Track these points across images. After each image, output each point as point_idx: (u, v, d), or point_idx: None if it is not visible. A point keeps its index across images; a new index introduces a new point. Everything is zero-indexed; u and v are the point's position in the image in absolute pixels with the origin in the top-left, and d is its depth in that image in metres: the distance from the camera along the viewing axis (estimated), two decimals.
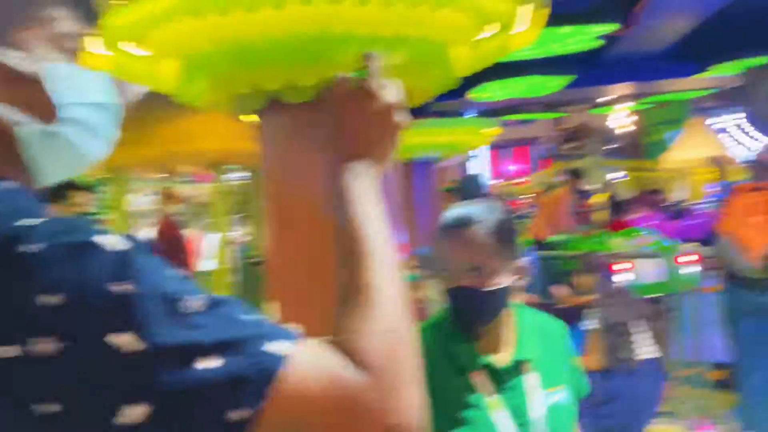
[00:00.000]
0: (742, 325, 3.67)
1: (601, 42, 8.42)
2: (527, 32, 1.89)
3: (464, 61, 1.87)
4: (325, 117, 0.84)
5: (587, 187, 19.52)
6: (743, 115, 10.13)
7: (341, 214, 0.75)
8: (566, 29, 8.32)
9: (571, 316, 3.55)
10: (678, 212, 12.68)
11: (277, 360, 0.57)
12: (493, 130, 13.16)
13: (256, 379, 0.55)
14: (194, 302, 0.57)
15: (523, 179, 36.57)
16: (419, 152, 11.63)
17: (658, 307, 4.10)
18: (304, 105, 1.57)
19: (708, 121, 23.17)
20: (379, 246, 0.71)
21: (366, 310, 0.65)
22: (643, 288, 3.76)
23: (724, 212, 3.68)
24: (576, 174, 9.22)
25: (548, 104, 23.79)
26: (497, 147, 43.90)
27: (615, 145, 30.03)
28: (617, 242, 5.95)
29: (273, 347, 0.57)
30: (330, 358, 0.60)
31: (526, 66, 10.71)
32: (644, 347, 3.37)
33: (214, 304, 0.58)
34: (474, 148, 17.64)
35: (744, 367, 3.79)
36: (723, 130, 14.67)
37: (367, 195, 0.76)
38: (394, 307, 0.66)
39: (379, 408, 0.58)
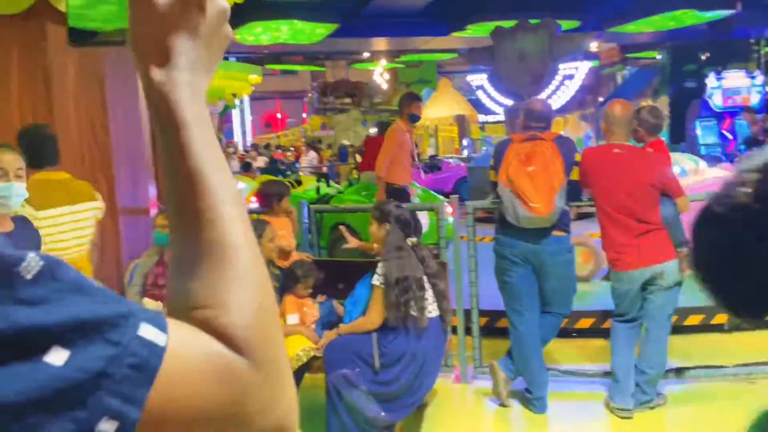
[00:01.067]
0: (511, 273, 3.76)
1: None
2: None
3: None
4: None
5: (345, 142, 19.76)
6: (487, 75, 10.86)
7: (174, 146, 0.58)
8: None
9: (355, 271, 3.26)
10: (432, 166, 13.56)
11: (155, 352, 0.46)
12: (256, 78, 12.39)
13: (130, 379, 0.44)
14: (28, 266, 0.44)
15: (286, 131, 36.29)
16: None
17: (442, 262, 4.01)
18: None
19: (457, 81, 25.20)
20: (229, 193, 0.58)
21: (228, 274, 0.54)
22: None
23: (499, 164, 3.70)
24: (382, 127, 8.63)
25: (310, 56, 23.62)
26: (262, 97, 42.94)
27: (377, 101, 31.25)
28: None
29: (147, 332, 0.46)
30: (210, 346, 0.50)
31: (291, 10, 10.20)
32: (430, 305, 3.22)
33: (52, 268, 0.45)
34: (236, 95, 16.76)
35: (510, 314, 3.91)
36: (473, 90, 15.90)
37: (204, 123, 0.60)
38: (257, 274, 0.56)
39: (269, 405, 0.51)
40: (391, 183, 6.03)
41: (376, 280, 3.21)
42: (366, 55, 21.35)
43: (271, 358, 0.52)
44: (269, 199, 4.25)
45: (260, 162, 17.14)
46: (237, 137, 33.66)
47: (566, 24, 12.44)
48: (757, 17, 14.38)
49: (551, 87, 9.95)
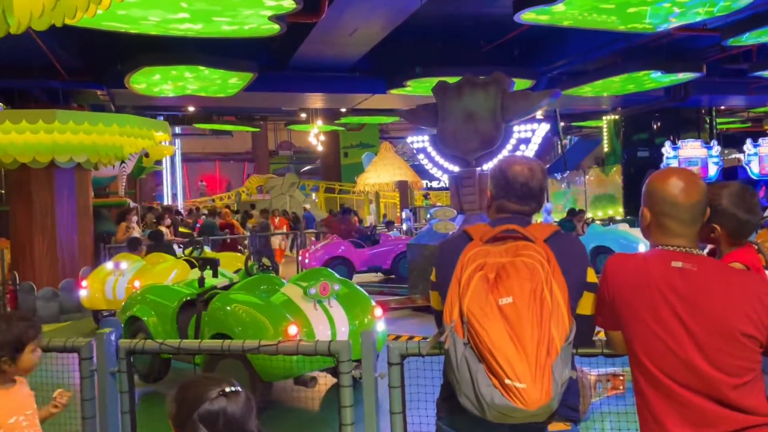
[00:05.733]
0: None
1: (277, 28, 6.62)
2: None
3: None
4: None
5: (278, 208, 17.71)
6: (429, 138, 9.33)
7: None
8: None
9: None
10: (368, 239, 11.78)
11: None
12: (162, 135, 10.48)
13: None
14: None
15: (222, 194, 34.19)
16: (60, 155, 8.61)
17: None
18: None
19: (402, 144, 23.86)
20: None
21: None
22: None
23: (446, 280, 1.91)
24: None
25: (245, 116, 21.88)
26: (200, 159, 40.77)
27: (313, 165, 29.59)
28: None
29: None
30: None
31: (194, 54, 8.47)
32: None
33: None
34: (149, 154, 14.71)
35: None
36: (416, 153, 14.42)
37: None
38: None
39: None
40: None
41: None
42: (304, 116, 19.83)
43: None
44: None
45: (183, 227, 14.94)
46: (167, 201, 31.31)
47: (519, 84, 11.18)
48: (714, 85, 13.62)
49: (504, 152, 8.43)
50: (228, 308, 4.60)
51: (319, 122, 18.84)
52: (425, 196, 21.93)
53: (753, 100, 15.51)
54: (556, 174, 19.40)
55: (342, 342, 2.31)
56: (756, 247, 5.18)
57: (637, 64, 10.72)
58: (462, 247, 2.09)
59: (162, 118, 16.46)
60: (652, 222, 1.96)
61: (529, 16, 7.40)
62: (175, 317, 4.97)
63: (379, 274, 11.66)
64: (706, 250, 2.29)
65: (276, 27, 6.74)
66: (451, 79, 8.65)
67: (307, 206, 20.68)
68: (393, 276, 11.28)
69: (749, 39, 9.72)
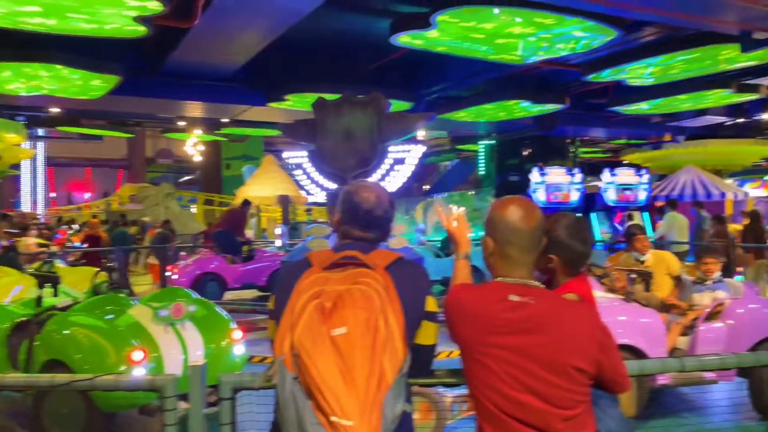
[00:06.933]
0: None
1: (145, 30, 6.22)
2: None
3: None
4: None
5: (145, 219, 16.73)
6: (307, 154, 9.19)
7: None
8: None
9: None
10: (248, 254, 11.40)
11: None
12: (14, 137, 9.52)
13: None
14: None
15: (90, 203, 31.88)
16: None
17: None
18: None
19: (284, 156, 23.42)
20: None
21: None
22: None
23: (279, 310, 1.78)
24: None
25: (118, 121, 20.56)
26: (68, 164, 37.82)
27: (194, 176, 28.36)
28: None
29: None
30: None
31: (51, 52, 7.78)
32: None
33: None
34: (9, 159, 13.35)
35: None
36: (296, 168, 14.13)
37: None
38: None
39: None
40: None
41: None
42: (183, 124, 18.94)
43: None
44: None
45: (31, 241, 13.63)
46: (26, 209, 28.67)
47: (396, 106, 11.37)
48: (578, 117, 14.64)
49: (380, 171, 8.48)
50: (65, 332, 4.17)
51: (198, 131, 18.09)
52: (308, 212, 21.67)
53: (611, 132, 16.88)
54: (435, 195, 19.95)
55: (166, 377, 2.09)
56: (603, 271, 5.47)
57: (508, 94, 11.28)
58: (301, 273, 1.98)
59: (23, 119, 15.05)
60: (495, 250, 1.95)
61: (404, 39, 7.52)
62: (4, 341, 4.44)
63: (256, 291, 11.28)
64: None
65: (142, 29, 6.33)
66: (332, 96, 8.61)
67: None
68: (269, 294, 10.93)
69: (608, 76, 10.53)
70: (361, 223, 2.11)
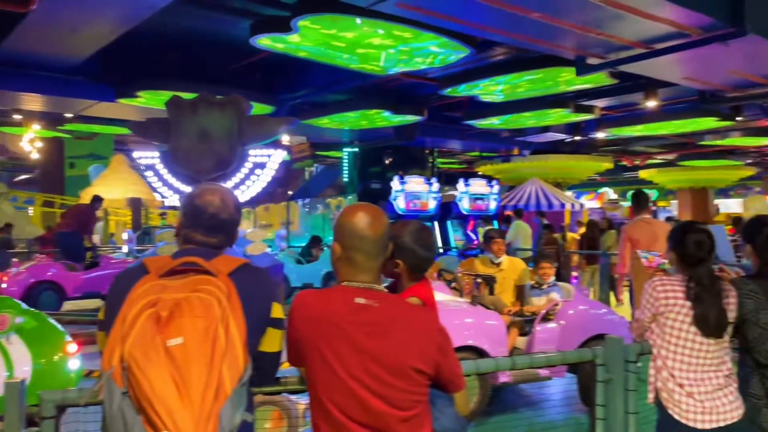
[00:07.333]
0: None
1: None
2: None
3: None
4: None
5: None
6: (160, 155, 8.75)
7: None
8: None
9: None
10: (91, 261, 10.50)
11: None
12: None
13: None
14: None
15: None
16: None
17: None
18: None
19: (135, 156, 22.08)
20: None
21: None
22: None
23: (111, 321, 1.65)
24: None
25: None
26: None
27: (32, 174, 25.89)
28: None
29: None
30: None
31: None
32: None
33: None
34: None
35: None
36: (147, 168, 13.35)
37: None
38: None
39: None
40: None
41: None
42: (19, 117, 17.16)
43: None
44: None
45: None
46: None
47: (259, 109, 11.17)
48: (435, 129, 15.29)
49: (240, 175, 8.26)
50: None
51: (37, 126, 16.51)
52: (162, 216, 20.59)
53: (466, 144, 17.82)
54: (298, 200, 19.84)
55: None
56: (452, 276, 5.73)
57: (370, 103, 11.51)
58: (136, 281, 1.88)
59: None
60: (342, 255, 1.97)
61: (265, 41, 7.41)
62: None
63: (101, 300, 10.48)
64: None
65: None
66: (189, 95, 8.24)
67: None
68: None
69: (463, 91, 11.11)
70: (204, 227, 2.04)
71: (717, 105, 10.11)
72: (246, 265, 2.01)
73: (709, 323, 2.53)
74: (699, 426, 2.52)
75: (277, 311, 2.01)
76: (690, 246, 2.65)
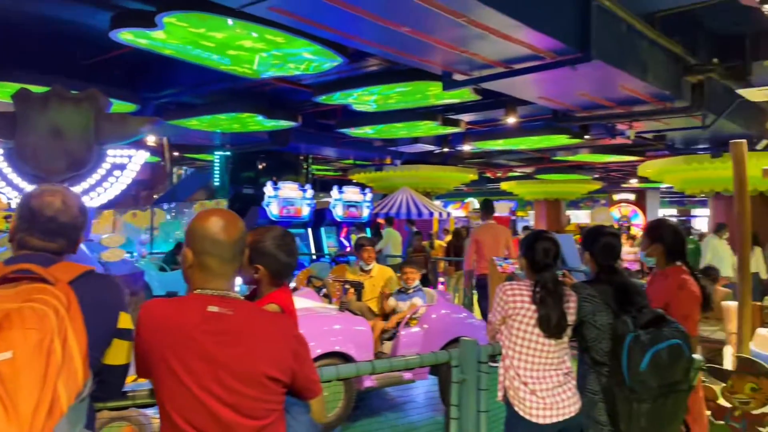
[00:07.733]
0: None
1: None
2: None
3: None
4: None
5: None
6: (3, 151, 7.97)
7: None
8: None
9: None
10: None
11: None
12: None
13: None
14: None
15: None
16: None
17: None
18: None
19: None
20: None
21: None
22: None
23: None
24: None
25: None
26: None
27: None
28: None
29: None
30: None
31: None
32: None
33: None
34: None
35: None
36: None
37: None
38: None
39: None
40: None
41: None
42: None
43: None
44: None
45: None
46: None
47: (121, 107, 10.53)
48: (310, 136, 15.26)
49: (96, 176, 7.74)
50: None
51: None
52: (7, 219, 18.71)
53: (340, 152, 17.95)
54: (163, 204, 18.90)
55: None
56: (322, 282, 5.74)
57: (242, 106, 11.25)
58: None
59: None
60: (194, 262, 1.90)
61: (127, 36, 7.01)
62: None
63: None
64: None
65: None
66: (39, 89, 7.58)
67: None
68: None
69: (338, 99, 11.18)
70: (41, 231, 1.90)
71: (568, 123, 11.00)
72: (90, 272, 1.89)
73: (550, 325, 2.74)
74: (541, 421, 2.71)
75: (125, 321, 1.91)
76: (539, 252, 2.85)
